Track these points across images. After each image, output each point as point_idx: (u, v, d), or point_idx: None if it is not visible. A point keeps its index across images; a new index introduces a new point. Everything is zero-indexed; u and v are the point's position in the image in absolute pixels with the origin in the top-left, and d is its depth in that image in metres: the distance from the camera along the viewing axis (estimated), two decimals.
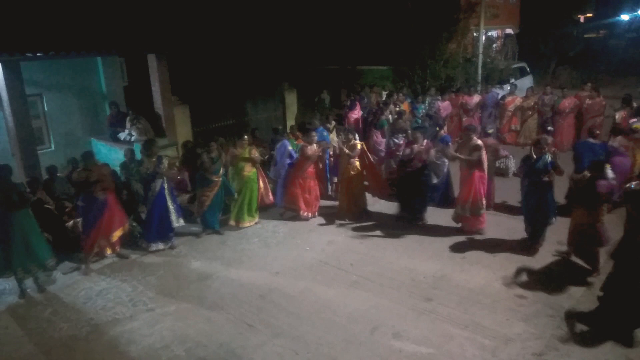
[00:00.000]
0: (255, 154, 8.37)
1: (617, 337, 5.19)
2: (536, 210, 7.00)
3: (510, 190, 8.96)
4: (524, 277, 6.46)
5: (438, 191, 9.00)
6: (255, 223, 8.51)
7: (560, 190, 7.89)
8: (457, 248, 7.37)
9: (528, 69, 18.67)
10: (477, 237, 7.69)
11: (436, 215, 8.49)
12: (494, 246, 7.37)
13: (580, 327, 5.41)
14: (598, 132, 8.74)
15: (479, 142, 7.74)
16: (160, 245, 7.61)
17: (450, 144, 8.87)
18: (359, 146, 8.62)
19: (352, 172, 8.52)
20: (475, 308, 5.79)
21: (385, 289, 6.30)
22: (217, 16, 14.86)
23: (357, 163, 8.58)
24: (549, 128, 9.37)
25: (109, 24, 9.55)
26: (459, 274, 6.59)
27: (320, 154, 8.81)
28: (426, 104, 12.65)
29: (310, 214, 8.65)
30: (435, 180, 8.84)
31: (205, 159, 7.84)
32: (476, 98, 13.03)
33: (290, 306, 5.97)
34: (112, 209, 7.13)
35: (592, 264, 6.46)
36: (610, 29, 33.74)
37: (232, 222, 8.36)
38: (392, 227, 8.21)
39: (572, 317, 5.59)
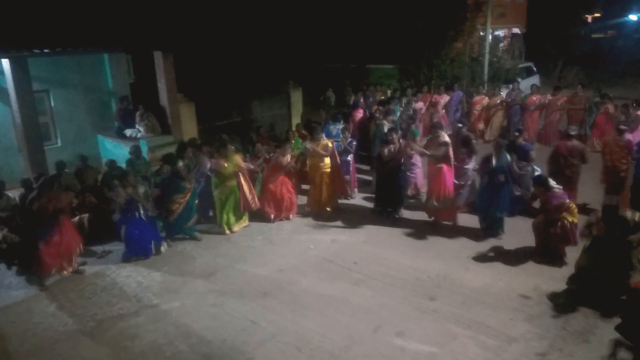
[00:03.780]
0: (240, 162, 8.08)
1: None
2: (489, 204, 7.49)
3: None
4: (527, 277, 6.45)
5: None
6: (245, 226, 8.34)
7: None
8: (460, 248, 7.37)
9: (535, 68, 18.58)
10: (480, 238, 7.64)
11: None
12: (497, 246, 7.37)
13: (584, 327, 5.40)
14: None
15: (447, 138, 8.12)
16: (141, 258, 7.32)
17: (417, 138, 9.18)
18: (330, 144, 8.64)
19: (323, 170, 8.58)
20: (478, 307, 5.79)
21: (388, 287, 6.30)
22: (223, 14, 14.89)
23: (328, 161, 8.62)
24: (519, 128, 9.38)
25: (115, 20, 9.58)
26: (462, 274, 6.59)
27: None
28: (403, 105, 12.82)
29: (279, 217, 8.60)
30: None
31: (181, 167, 7.64)
32: (445, 97, 13.55)
33: (293, 303, 5.99)
34: (68, 231, 6.90)
35: (559, 259, 6.80)
36: (618, 29, 33.53)
37: (225, 231, 8.13)
38: (396, 226, 8.21)
39: (575, 317, 5.57)
